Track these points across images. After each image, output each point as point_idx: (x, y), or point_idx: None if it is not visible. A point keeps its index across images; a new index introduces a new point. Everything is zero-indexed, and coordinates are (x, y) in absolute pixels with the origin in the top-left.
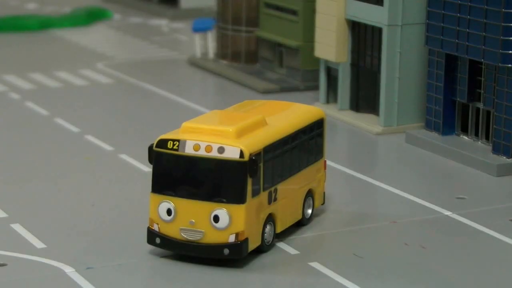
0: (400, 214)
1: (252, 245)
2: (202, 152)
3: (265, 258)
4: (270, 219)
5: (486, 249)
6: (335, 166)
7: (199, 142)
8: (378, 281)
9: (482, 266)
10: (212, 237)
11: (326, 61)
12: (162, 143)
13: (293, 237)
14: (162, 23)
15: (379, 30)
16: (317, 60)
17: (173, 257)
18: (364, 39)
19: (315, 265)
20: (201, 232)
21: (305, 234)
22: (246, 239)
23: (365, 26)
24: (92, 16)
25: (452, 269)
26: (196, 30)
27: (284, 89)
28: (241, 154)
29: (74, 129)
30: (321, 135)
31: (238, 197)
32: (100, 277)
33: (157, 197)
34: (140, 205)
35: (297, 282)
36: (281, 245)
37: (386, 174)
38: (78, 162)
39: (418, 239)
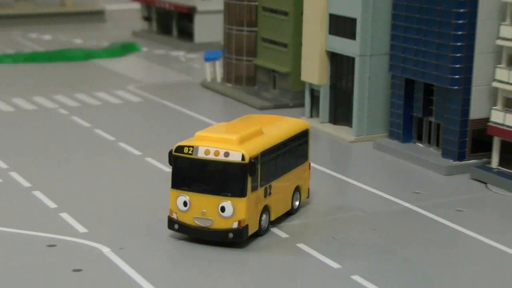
0: (369, 205)
1: (251, 230)
2: (211, 156)
3: (261, 241)
4: (266, 209)
5: (437, 233)
6: (318, 167)
7: (209, 148)
8: (351, 259)
9: (434, 246)
10: (219, 224)
11: (310, 84)
12: (179, 148)
13: (284, 224)
14: (180, 54)
15: (353, 59)
16: (303, 83)
17: (188, 239)
18: (340, 66)
19: (302, 246)
20: (210, 220)
21: (294, 221)
22: (247, 226)
23: (341, 56)
24: (125, 49)
25: (410, 249)
26: (207, 59)
27: (277, 106)
28: (243, 158)
29: (110, 137)
30: (306, 142)
31: (240, 192)
32: (130, 255)
33: (176, 192)
34: (161, 198)
35: (287, 260)
36: (274, 230)
37: (358, 174)
38: (113, 163)
39: (383, 226)
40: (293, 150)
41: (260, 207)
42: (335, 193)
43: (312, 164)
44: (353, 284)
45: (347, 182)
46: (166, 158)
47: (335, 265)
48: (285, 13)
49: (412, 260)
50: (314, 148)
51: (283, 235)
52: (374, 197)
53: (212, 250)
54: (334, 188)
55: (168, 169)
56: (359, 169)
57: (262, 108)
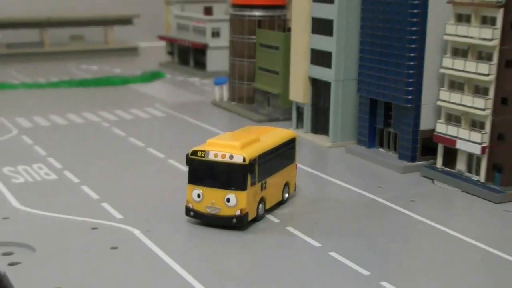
0: (343, 197)
1: (251, 217)
2: (219, 158)
3: (258, 225)
4: (262, 200)
5: (396, 218)
6: (302, 167)
7: (217, 152)
8: (329, 239)
9: (394, 229)
10: (225, 211)
11: (297, 102)
12: (194, 152)
13: (276, 211)
14: (195, 80)
15: (329, 83)
16: (291, 102)
17: (201, 224)
18: (320, 89)
19: (290, 228)
20: (218, 208)
21: (284, 210)
22: (247, 213)
23: (321, 81)
24: (153, 76)
25: (375, 231)
26: (216, 83)
27: (270, 119)
28: (244, 160)
29: (141, 144)
30: (293, 147)
31: (242, 187)
32: (156, 236)
33: (191, 186)
34: (180, 191)
35: (278, 239)
36: (269, 216)
37: (334, 172)
38: (143, 164)
39: (354, 213)
40: (283, 153)
41: (258, 198)
42: (316, 187)
43: (298, 165)
44: (330, 259)
45: (325, 179)
46: (184, 160)
47: (316, 244)
48: (277, 48)
49: (376, 239)
50: (299, 152)
51: (276, 220)
52: (346, 191)
53: (220, 232)
54: (315, 184)
55: (185, 169)
56: (334, 169)
57: (259, 121)
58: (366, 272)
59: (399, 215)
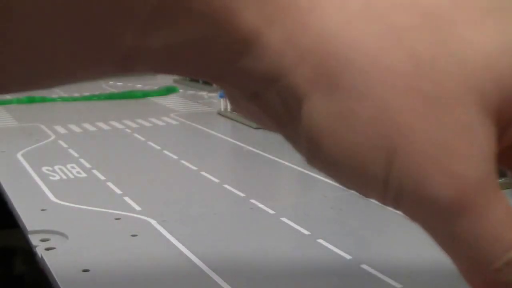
0: (329, 192)
1: None
2: None
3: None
4: None
5: (374, 209)
6: (293, 167)
7: None
8: (317, 228)
9: (373, 218)
10: None
11: None
12: None
13: (272, 204)
14: (204, 93)
15: None
16: None
17: (211, 214)
18: None
19: (284, 219)
20: None
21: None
22: None
23: None
24: (169, 90)
25: (357, 220)
26: (221, 96)
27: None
28: None
29: (157, 147)
30: None
31: None
32: (170, 225)
33: None
34: (191, 187)
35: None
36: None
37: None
38: (159, 164)
39: (339, 205)
40: None
41: None
42: (305, 184)
43: (289, 164)
44: (318, 245)
45: (313, 176)
46: (194, 161)
47: (306, 232)
48: None
49: (358, 227)
50: (292, 154)
51: (271, 212)
52: (332, 186)
53: (229, 221)
54: (305, 181)
55: (196, 169)
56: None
57: (257, 128)
58: (348, 256)
59: (377, 207)
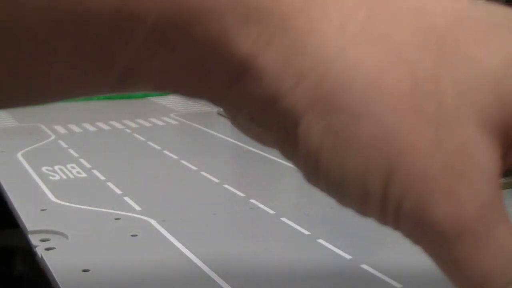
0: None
1: None
2: None
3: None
4: None
5: None
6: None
7: None
8: (317, 228)
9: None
10: None
11: None
12: None
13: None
14: None
15: None
16: None
17: (210, 215)
18: None
19: (284, 219)
20: None
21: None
22: None
23: None
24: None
25: (355, 220)
26: None
27: None
28: None
29: (157, 147)
30: None
31: None
32: (169, 225)
33: None
34: (191, 187)
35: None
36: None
37: None
38: (159, 164)
39: (337, 204)
40: None
41: None
42: (305, 184)
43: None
44: (318, 245)
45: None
46: (194, 161)
47: (306, 232)
48: None
49: (358, 227)
50: None
51: (271, 212)
52: None
53: (229, 221)
54: (303, 182)
55: (196, 168)
56: None
57: None
58: (348, 256)
59: None
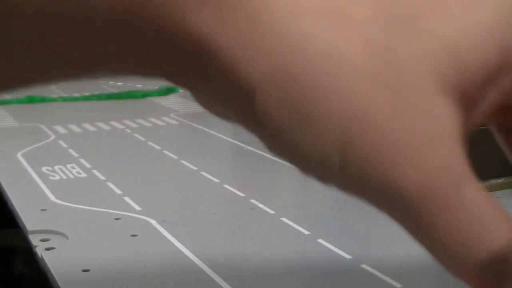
0: (328, 192)
1: None
2: None
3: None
4: None
5: (371, 209)
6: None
7: None
8: (317, 227)
9: (370, 216)
10: None
11: None
12: None
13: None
14: None
15: None
16: None
17: (212, 215)
18: None
19: (284, 219)
20: None
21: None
22: None
23: None
24: (169, 90)
25: (355, 218)
26: None
27: None
28: None
29: (157, 147)
30: None
31: None
32: (169, 225)
33: None
34: (191, 187)
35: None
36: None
37: None
38: (159, 164)
39: (338, 204)
40: None
41: None
42: (305, 184)
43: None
44: (318, 245)
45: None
46: (194, 161)
47: (306, 232)
48: None
49: (358, 227)
50: None
51: (271, 212)
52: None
53: (229, 220)
54: (304, 182)
55: (196, 168)
56: None
57: None
58: (348, 256)
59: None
